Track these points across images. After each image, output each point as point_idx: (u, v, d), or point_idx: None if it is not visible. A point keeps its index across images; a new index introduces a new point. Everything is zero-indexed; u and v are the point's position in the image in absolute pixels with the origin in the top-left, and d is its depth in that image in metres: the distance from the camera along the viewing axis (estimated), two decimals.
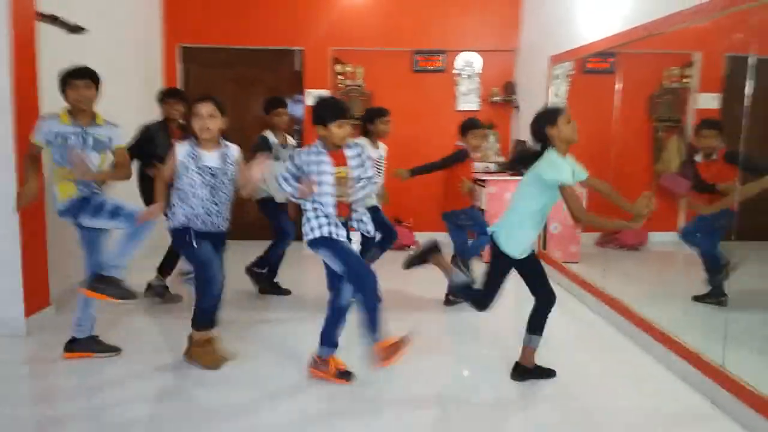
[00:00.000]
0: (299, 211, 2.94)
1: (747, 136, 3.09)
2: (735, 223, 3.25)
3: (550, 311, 2.90)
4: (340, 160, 2.79)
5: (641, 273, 4.66)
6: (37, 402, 2.78)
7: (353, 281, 2.75)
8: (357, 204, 2.87)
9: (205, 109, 2.83)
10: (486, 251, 4.04)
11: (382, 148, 4.19)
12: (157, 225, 3.00)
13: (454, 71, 6.25)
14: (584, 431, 2.53)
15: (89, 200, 2.98)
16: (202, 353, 3.02)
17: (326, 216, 2.76)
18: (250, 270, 4.32)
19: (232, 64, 6.13)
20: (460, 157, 3.99)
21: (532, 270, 2.91)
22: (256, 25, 5.98)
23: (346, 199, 2.80)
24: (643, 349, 3.36)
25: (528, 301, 2.93)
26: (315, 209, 2.78)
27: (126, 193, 3.98)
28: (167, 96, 4.06)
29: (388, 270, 4.13)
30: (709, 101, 4.49)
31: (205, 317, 2.98)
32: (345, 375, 2.92)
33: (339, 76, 6.18)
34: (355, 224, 2.87)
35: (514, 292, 4.09)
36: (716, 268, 3.62)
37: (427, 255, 3.15)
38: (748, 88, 2.87)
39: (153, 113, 4.15)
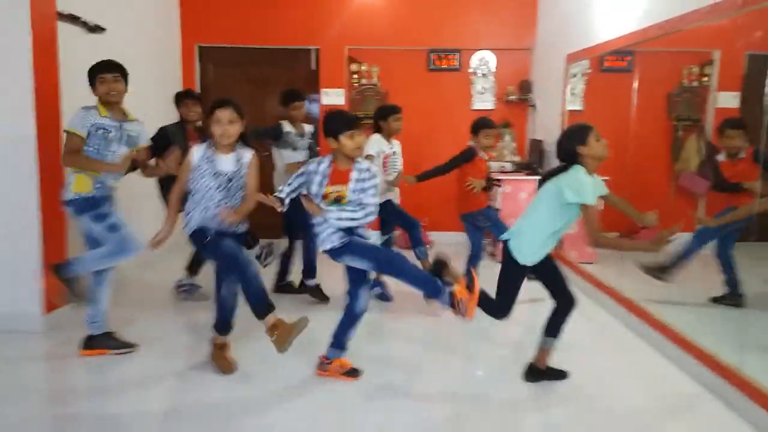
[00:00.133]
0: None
1: (767, 134, 3.04)
2: (753, 224, 3.20)
3: (568, 316, 2.87)
4: (342, 179, 2.77)
5: None
6: (53, 400, 2.81)
7: (386, 271, 2.80)
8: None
9: (226, 114, 2.80)
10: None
11: (396, 145, 4.20)
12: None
13: (469, 70, 6.23)
14: None
15: (99, 203, 3.02)
16: (218, 357, 3.05)
17: (331, 225, 2.78)
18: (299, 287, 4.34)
19: (249, 63, 6.18)
20: (467, 157, 3.96)
21: (550, 274, 2.88)
22: (273, 24, 6.01)
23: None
24: (658, 350, 3.33)
25: (544, 302, 2.92)
26: (320, 221, 2.80)
27: (142, 193, 4.05)
28: (184, 97, 4.10)
29: None
30: (728, 100, 4.42)
31: (261, 303, 2.75)
32: (352, 372, 2.95)
33: (354, 75, 6.19)
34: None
35: (529, 292, 4.08)
36: (730, 269, 3.58)
37: (439, 273, 3.04)
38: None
39: (171, 112, 4.19)
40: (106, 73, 3.03)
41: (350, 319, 2.92)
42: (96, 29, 4.26)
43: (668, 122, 5.22)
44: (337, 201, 2.76)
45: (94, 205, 3.01)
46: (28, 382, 2.92)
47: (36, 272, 3.41)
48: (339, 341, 2.95)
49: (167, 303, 4.15)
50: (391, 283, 4.25)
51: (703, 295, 3.75)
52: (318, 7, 6.02)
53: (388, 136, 4.11)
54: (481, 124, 3.99)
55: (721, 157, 3.81)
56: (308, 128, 4.27)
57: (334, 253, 2.80)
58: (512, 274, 2.85)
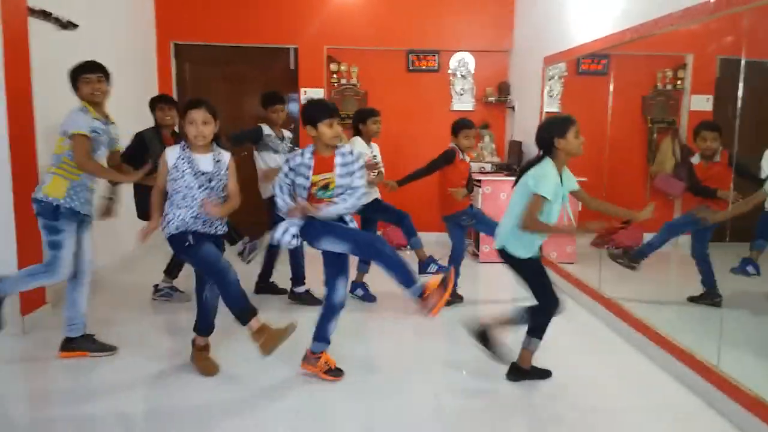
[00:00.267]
0: None
1: (739, 137, 3.12)
2: (728, 224, 3.28)
3: (551, 317, 2.87)
4: (327, 167, 2.78)
5: (636, 273, 4.68)
6: (30, 402, 2.75)
7: (364, 252, 2.79)
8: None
9: (199, 115, 2.76)
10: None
11: (375, 148, 4.20)
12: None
13: (448, 71, 6.26)
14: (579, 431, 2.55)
15: (60, 216, 2.94)
16: (199, 359, 3.00)
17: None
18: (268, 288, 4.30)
19: (226, 61, 6.10)
20: (448, 159, 3.97)
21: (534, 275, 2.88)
22: (251, 22, 5.94)
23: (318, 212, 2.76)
24: (638, 350, 3.38)
25: (531, 302, 2.92)
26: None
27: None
28: (159, 102, 4.03)
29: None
30: (702, 103, 4.53)
31: (243, 309, 2.76)
32: (335, 372, 2.94)
33: (334, 75, 6.16)
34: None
35: (512, 293, 4.11)
36: (708, 269, 3.66)
37: (487, 344, 2.97)
38: (740, 90, 2.90)
39: (145, 112, 4.10)
40: (91, 74, 2.97)
41: (329, 310, 2.92)
42: (69, 26, 4.15)
43: (643, 125, 5.32)
44: (325, 188, 2.76)
45: (54, 216, 2.93)
46: (6, 384, 2.85)
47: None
48: (321, 334, 2.94)
49: (147, 304, 4.07)
50: (373, 284, 4.24)
51: (681, 294, 3.83)
52: (297, 6, 5.98)
53: (367, 138, 4.10)
54: (461, 125, 4.01)
55: (695, 159, 3.89)
56: (287, 134, 4.23)
57: (313, 238, 2.78)
58: (529, 269, 2.84)
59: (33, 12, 3.67)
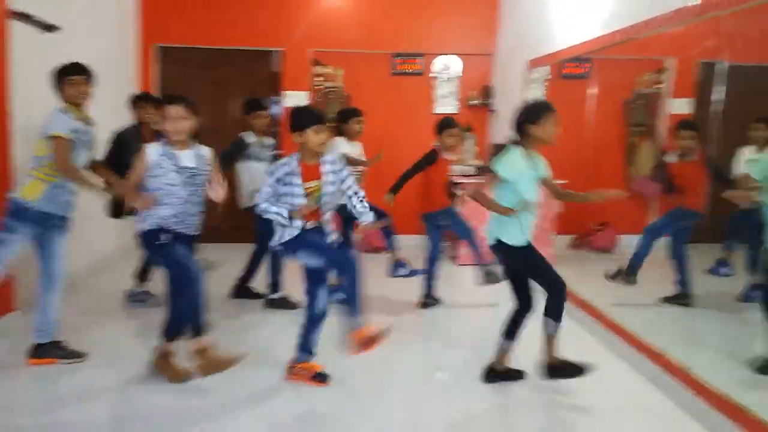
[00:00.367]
0: None
1: (717, 139, 3.17)
2: (703, 224, 3.32)
3: (527, 319, 2.90)
4: (314, 174, 2.78)
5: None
6: None
7: (334, 265, 2.77)
8: (325, 216, 2.87)
9: (176, 110, 2.78)
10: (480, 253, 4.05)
11: (357, 146, 4.21)
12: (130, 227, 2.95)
13: (432, 74, 6.28)
14: None
15: (25, 218, 2.90)
16: (166, 366, 2.92)
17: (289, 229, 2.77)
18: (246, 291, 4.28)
19: (210, 64, 6.09)
20: (431, 159, 4.00)
21: (520, 272, 2.89)
22: (235, 25, 5.94)
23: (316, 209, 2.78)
24: (612, 350, 3.40)
25: (501, 306, 2.93)
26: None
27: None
28: (142, 100, 4.01)
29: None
30: (681, 106, 4.58)
31: (179, 325, 2.84)
32: (321, 377, 2.93)
33: (318, 78, 6.17)
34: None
35: (489, 295, 4.14)
36: (683, 269, 3.70)
37: (564, 372, 2.89)
38: (718, 94, 2.95)
39: (125, 115, 4.09)
40: (76, 75, 2.97)
41: (311, 320, 2.91)
42: (50, 28, 4.14)
43: (624, 128, 5.38)
44: (312, 196, 2.77)
45: (18, 216, 2.91)
46: None
47: None
48: (304, 345, 2.93)
49: (120, 309, 4.02)
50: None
51: (654, 294, 3.86)
52: (282, 9, 5.98)
53: (349, 138, 4.12)
54: (445, 124, 4.04)
55: (671, 158, 3.93)
56: (269, 141, 4.22)
57: (291, 250, 2.79)
58: (528, 257, 2.82)
59: (14, 14, 3.66)
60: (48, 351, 3.07)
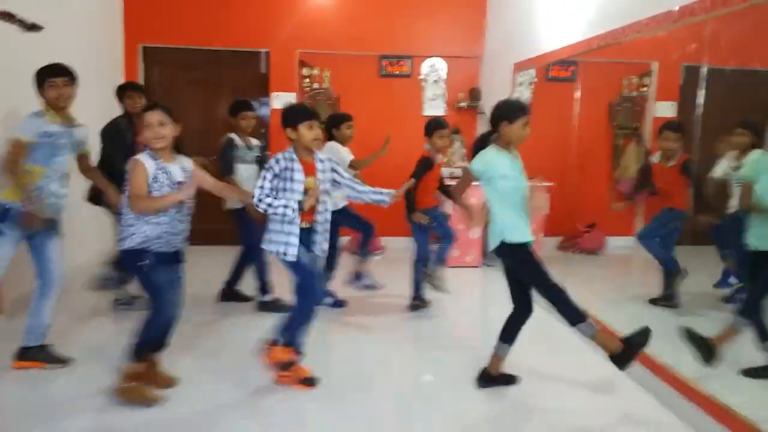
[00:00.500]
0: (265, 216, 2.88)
1: (701, 142, 3.20)
2: (689, 226, 3.35)
3: (524, 323, 2.89)
4: (309, 171, 2.81)
5: (600, 276, 4.76)
6: None
7: (301, 291, 2.83)
8: (319, 219, 2.88)
9: (155, 117, 2.65)
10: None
11: (347, 152, 4.19)
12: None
13: (420, 76, 6.29)
14: None
15: (7, 218, 2.85)
16: (132, 388, 2.71)
17: (289, 226, 2.77)
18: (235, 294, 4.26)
19: (196, 65, 6.04)
20: (427, 166, 3.99)
21: (519, 275, 2.88)
22: (222, 26, 5.90)
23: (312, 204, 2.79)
24: (599, 353, 3.42)
25: (498, 308, 2.91)
26: (281, 216, 2.76)
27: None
28: (128, 89, 3.95)
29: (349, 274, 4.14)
30: (666, 109, 4.64)
31: (145, 349, 2.72)
32: (308, 381, 2.91)
33: (306, 79, 6.15)
34: (313, 246, 2.89)
35: (480, 299, 4.15)
36: (670, 271, 3.73)
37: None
38: (702, 97, 2.98)
39: (110, 114, 4.02)
40: (57, 77, 2.91)
41: (300, 314, 2.87)
42: (33, 27, 4.07)
43: (609, 130, 5.43)
44: (306, 192, 2.78)
45: (3, 218, 2.85)
46: None
47: None
48: (286, 332, 2.87)
49: (107, 312, 3.96)
50: (341, 290, 4.23)
51: (643, 296, 3.89)
52: (269, 9, 5.95)
53: (341, 143, 4.11)
54: (435, 125, 4.03)
55: (655, 159, 3.96)
56: (256, 142, 4.19)
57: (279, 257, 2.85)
58: (530, 257, 2.78)
59: None
60: (34, 355, 3.02)
